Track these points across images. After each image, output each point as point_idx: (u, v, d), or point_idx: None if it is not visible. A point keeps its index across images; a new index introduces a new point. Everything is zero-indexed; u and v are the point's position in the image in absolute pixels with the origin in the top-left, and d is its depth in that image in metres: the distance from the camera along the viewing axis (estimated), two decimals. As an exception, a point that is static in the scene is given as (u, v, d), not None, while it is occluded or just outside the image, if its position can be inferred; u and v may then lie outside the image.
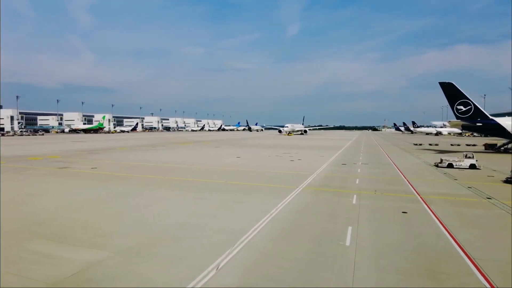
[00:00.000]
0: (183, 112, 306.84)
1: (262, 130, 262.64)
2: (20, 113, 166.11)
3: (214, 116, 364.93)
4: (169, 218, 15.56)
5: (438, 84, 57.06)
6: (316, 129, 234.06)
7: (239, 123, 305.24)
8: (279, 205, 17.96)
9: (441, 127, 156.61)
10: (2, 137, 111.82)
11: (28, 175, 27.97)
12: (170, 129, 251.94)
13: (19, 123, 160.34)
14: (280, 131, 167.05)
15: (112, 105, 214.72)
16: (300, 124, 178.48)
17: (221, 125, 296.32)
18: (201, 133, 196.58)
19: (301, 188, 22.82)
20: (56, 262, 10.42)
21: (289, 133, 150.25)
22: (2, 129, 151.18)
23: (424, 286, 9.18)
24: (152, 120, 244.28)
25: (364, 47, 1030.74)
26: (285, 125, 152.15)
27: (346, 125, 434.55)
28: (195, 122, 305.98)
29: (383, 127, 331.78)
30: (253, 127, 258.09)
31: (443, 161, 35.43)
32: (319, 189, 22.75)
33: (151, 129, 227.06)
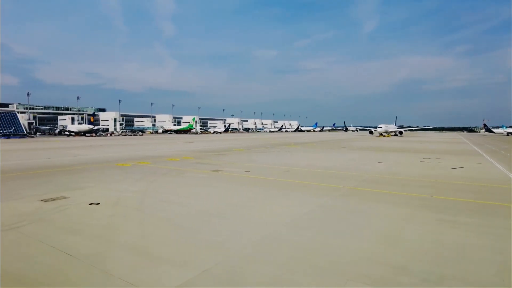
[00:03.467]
0: (261, 113, 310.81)
1: (357, 131, 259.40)
2: (121, 115, 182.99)
3: (290, 117, 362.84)
4: (465, 257, 11.40)
5: None
6: (412, 130, 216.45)
7: (316, 123, 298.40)
8: None
9: None
10: (111, 137, 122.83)
11: (193, 178, 26.72)
12: (249, 130, 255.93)
13: (120, 124, 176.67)
14: (371, 132, 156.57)
15: (199, 108, 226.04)
16: (393, 124, 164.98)
17: (298, 126, 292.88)
18: (281, 134, 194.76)
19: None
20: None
21: (382, 134, 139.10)
22: (107, 129, 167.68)
23: None
24: (233, 122, 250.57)
25: (450, 40, 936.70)
26: (378, 126, 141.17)
27: (431, 125, 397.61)
28: (272, 123, 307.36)
29: (482, 128, 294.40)
30: (349, 128, 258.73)
31: None
32: None
33: (232, 130, 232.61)
